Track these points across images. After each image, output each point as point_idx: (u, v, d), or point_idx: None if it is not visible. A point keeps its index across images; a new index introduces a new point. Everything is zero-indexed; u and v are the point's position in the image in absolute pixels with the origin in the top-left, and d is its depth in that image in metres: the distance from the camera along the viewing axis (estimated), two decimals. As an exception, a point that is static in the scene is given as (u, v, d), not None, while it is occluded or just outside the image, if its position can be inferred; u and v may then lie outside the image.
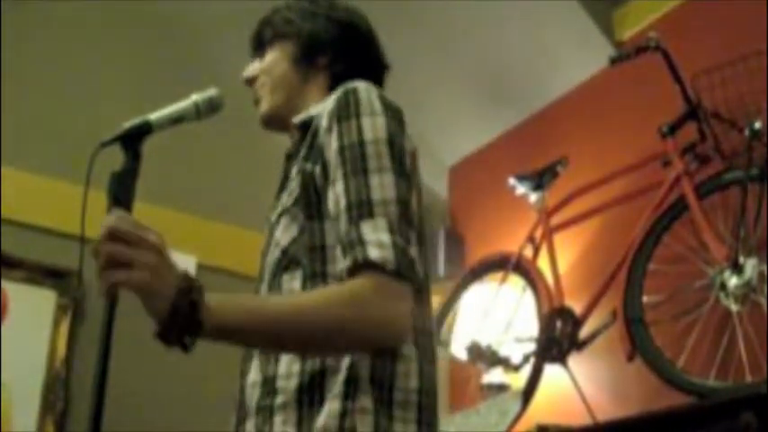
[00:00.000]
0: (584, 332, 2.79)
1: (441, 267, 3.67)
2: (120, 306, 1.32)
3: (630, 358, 2.56)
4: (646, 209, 2.68)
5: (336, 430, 1.24)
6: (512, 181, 3.13)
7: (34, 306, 2.98)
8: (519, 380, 2.98)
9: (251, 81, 1.60)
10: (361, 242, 1.24)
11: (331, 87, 1.50)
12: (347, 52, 1.56)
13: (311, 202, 1.36)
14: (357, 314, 1.21)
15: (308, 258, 1.33)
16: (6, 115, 3.09)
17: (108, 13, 3.44)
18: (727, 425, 2.12)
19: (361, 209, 1.27)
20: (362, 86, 1.37)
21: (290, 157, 1.49)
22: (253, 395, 1.35)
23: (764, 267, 2.39)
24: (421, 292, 1.36)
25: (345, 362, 1.27)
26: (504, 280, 3.09)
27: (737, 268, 2.39)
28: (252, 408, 1.34)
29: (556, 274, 2.94)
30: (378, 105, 1.35)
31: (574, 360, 2.83)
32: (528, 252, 3.05)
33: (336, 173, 1.32)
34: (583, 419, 2.76)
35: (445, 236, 3.75)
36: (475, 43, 3.51)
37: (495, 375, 3.13)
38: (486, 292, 3.17)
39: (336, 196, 1.31)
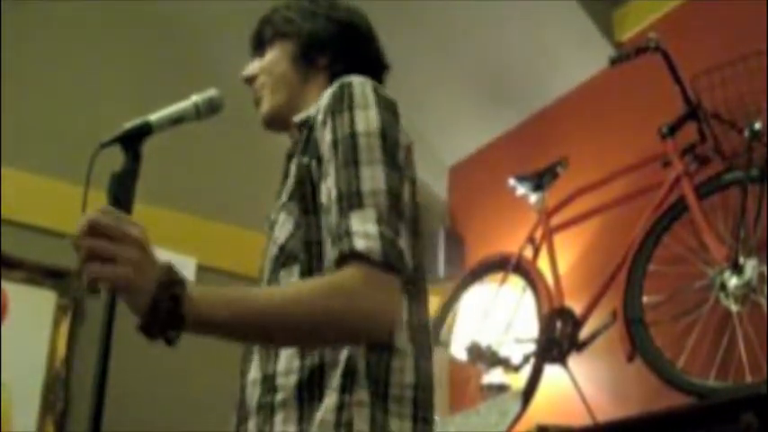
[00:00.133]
0: (585, 333, 2.79)
1: (440, 268, 3.67)
2: (120, 306, 1.32)
3: (630, 359, 2.56)
4: (646, 209, 2.68)
5: (334, 424, 1.24)
6: (512, 181, 3.13)
7: (34, 306, 2.98)
8: (519, 380, 2.98)
9: (250, 80, 1.60)
10: (348, 233, 1.24)
11: None
12: (347, 52, 1.56)
13: (307, 197, 1.36)
14: (343, 305, 1.21)
15: (305, 253, 1.34)
16: (6, 115, 3.09)
17: (108, 13, 3.44)
18: (727, 425, 2.12)
19: (350, 200, 1.27)
20: (357, 80, 1.38)
21: (290, 157, 1.49)
22: (253, 394, 1.35)
23: (764, 268, 2.39)
24: (417, 287, 1.37)
25: (343, 355, 1.27)
26: (504, 280, 3.09)
27: (737, 269, 2.39)
28: (253, 406, 1.34)
29: (556, 274, 2.94)
30: (372, 98, 1.35)
31: (574, 360, 2.83)
32: (528, 253, 3.05)
33: (329, 166, 1.32)
34: (583, 420, 2.76)
35: (445, 236, 3.74)
36: (475, 43, 3.51)
37: (495, 376, 3.13)
38: (486, 293, 3.17)
39: (328, 189, 1.31)
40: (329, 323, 1.21)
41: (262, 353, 1.36)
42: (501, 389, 3.10)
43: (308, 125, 1.43)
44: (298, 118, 1.49)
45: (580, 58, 3.35)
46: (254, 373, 1.36)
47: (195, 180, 3.45)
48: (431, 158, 3.90)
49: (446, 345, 3.27)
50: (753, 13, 2.79)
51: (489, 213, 3.69)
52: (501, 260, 3.13)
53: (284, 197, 1.41)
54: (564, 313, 2.84)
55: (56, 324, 2.99)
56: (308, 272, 1.32)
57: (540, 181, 3.07)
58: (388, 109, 1.36)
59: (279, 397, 1.30)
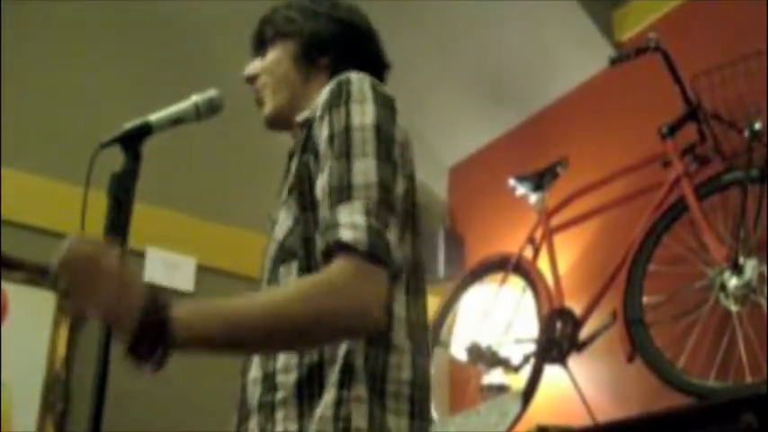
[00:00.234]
0: (584, 333, 2.79)
1: (440, 268, 3.67)
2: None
3: (630, 359, 2.56)
4: (646, 210, 2.68)
5: (332, 419, 1.24)
6: (512, 182, 3.13)
7: (34, 307, 2.98)
8: (519, 381, 2.98)
9: (252, 79, 1.60)
10: (336, 225, 1.24)
11: None
12: (349, 51, 1.56)
13: (305, 193, 1.36)
14: (332, 303, 1.21)
15: (303, 249, 1.34)
16: (6, 115, 3.09)
17: (108, 13, 3.44)
18: (727, 426, 2.12)
19: (340, 193, 1.27)
20: (355, 76, 1.38)
21: (291, 156, 1.49)
22: (254, 392, 1.35)
23: (764, 268, 2.39)
24: (416, 284, 1.37)
25: (341, 351, 1.27)
26: (504, 281, 3.09)
27: (737, 269, 2.39)
28: (254, 405, 1.34)
29: (556, 274, 2.94)
30: (369, 94, 1.35)
31: (574, 361, 2.83)
32: (528, 253, 3.05)
33: (324, 160, 1.32)
34: (583, 420, 2.76)
35: (445, 236, 3.74)
36: (475, 44, 3.51)
37: (495, 376, 3.13)
38: (486, 293, 3.17)
39: (322, 183, 1.31)
40: (321, 323, 1.21)
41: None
42: (501, 389, 3.10)
43: (308, 124, 1.43)
44: (300, 117, 1.49)
45: (580, 58, 3.35)
46: (254, 371, 1.36)
47: (195, 180, 3.45)
48: (431, 159, 3.90)
49: (446, 345, 3.26)
50: (753, 13, 2.79)
51: (489, 213, 3.69)
52: (501, 260, 3.13)
53: (284, 194, 1.41)
54: (564, 313, 2.84)
55: (56, 325, 2.98)
56: (306, 268, 1.32)
57: (540, 181, 3.07)
58: (385, 105, 1.36)
59: (279, 395, 1.30)
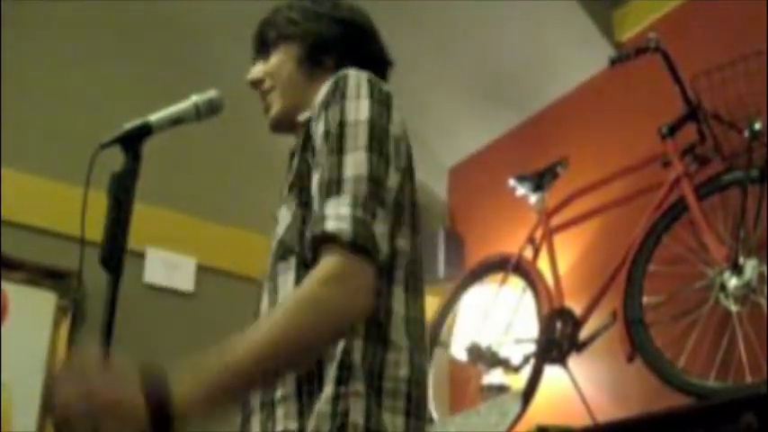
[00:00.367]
0: (584, 333, 2.79)
1: (440, 268, 3.67)
2: (119, 307, 1.32)
3: (630, 359, 2.56)
4: (646, 210, 2.68)
5: (330, 414, 1.24)
6: (512, 182, 3.13)
7: (34, 307, 2.98)
8: (519, 381, 2.98)
9: (256, 83, 1.60)
10: (322, 217, 1.25)
11: None
12: (352, 51, 1.57)
13: (304, 189, 1.37)
14: (324, 314, 1.21)
15: (300, 245, 1.34)
16: (6, 116, 3.09)
17: (108, 13, 3.43)
18: (727, 426, 2.12)
19: (330, 187, 1.28)
20: (353, 73, 1.39)
21: (293, 155, 1.50)
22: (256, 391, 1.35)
23: (764, 268, 2.39)
24: (415, 281, 1.37)
25: (339, 348, 1.28)
26: (504, 281, 3.09)
27: (737, 269, 2.39)
28: (256, 404, 1.34)
29: (556, 275, 2.94)
30: (364, 90, 1.36)
31: (574, 361, 2.83)
32: (528, 253, 3.05)
33: (319, 157, 1.33)
34: (583, 420, 2.76)
35: (445, 237, 3.74)
36: (475, 44, 3.51)
37: (495, 376, 3.13)
38: (486, 294, 3.17)
39: (316, 180, 1.33)
40: (318, 336, 1.22)
41: None
42: (501, 389, 3.10)
43: (309, 123, 1.44)
44: (302, 117, 1.49)
45: (580, 58, 3.35)
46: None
47: (195, 180, 3.45)
48: (431, 159, 3.90)
49: (446, 345, 3.26)
50: (753, 13, 2.79)
51: (489, 214, 3.69)
52: (501, 260, 3.13)
53: (284, 192, 1.42)
54: (564, 314, 2.84)
55: (56, 325, 2.98)
56: (304, 264, 1.32)
57: (540, 181, 3.07)
58: (381, 100, 1.37)
59: (279, 393, 1.30)
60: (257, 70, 1.61)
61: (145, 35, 3.51)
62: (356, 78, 1.37)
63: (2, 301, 2.91)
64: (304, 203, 1.36)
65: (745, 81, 2.54)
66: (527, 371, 2.87)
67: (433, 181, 3.91)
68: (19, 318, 2.93)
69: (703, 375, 2.46)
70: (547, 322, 2.83)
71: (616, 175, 2.91)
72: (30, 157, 3.11)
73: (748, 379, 2.37)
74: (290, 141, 1.56)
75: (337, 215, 1.24)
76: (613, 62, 2.77)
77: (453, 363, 3.41)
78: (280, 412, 1.29)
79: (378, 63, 1.59)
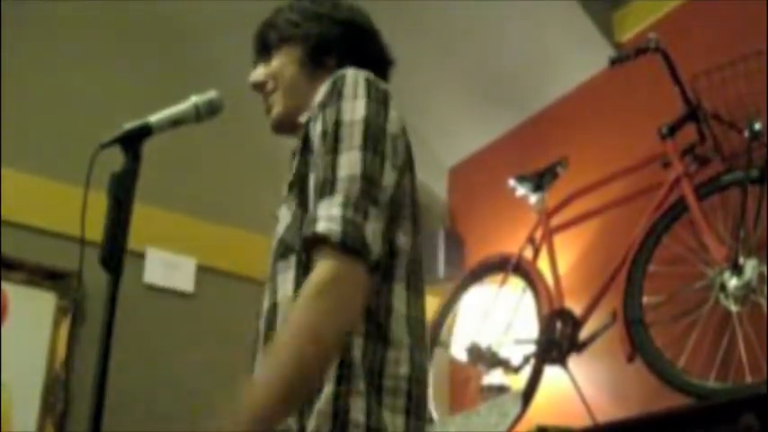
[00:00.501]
0: (584, 333, 2.79)
1: (440, 268, 3.67)
2: (119, 307, 1.32)
3: (630, 359, 2.56)
4: (646, 210, 2.68)
5: (331, 413, 1.24)
6: (512, 182, 3.13)
7: (34, 308, 2.98)
8: (519, 381, 2.98)
9: (258, 86, 1.60)
10: (314, 219, 1.27)
11: None
12: (353, 51, 1.57)
13: (303, 189, 1.38)
14: (324, 336, 1.22)
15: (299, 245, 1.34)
16: (6, 116, 3.09)
17: (108, 13, 3.43)
18: (727, 426, 2.12)
19: (324, 187, 1.29)
20: (350, 72, 1.39)
21: (294, 155, 1.50)
22: None
23: (764, 268, 2.39)
24: (416, 282, 1.38)
25: None
26: (504, 281, 3.09)
27: (737, 269, 2.39)
28: None
29: (556, 275, 2.94)
30: (361, 89, 1.37)
31: (574, 361, 2.83)
32: (528, 253, 3.05)
33: (316, 158, 1.34)
34: (583, 421, 2.76)
35: (445, 237, 3.74)
36: (475, 44, 3.51)
37: (495, 377, 3.13)
38: (486, 294, 3.17)
39: (312, 181, 1.34)
40: (321, 359, 1.23)
41: (264, 351, 1.37)
42: (501, 390, 3.10)
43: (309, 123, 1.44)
44: (303, 118, 1.50)
45: (580, 58, 3.35)
46: (258, 369, 1.37)
47: (195, 180, 3.45)
48: (431, 159, 3.90)
49: (446, 346, 3.26)
50: (753, 13, 2.79)
51: (489, 214, 3.69)
52: (501, 261, 3.13)
53: (285, 192, 1.43)
54: (564, 314, 2.84)
55: (56, 325, 2.99)
56: (302, 263, 1.33)
57: (540, 181, 3.07)
58: (379, 99, 1.37)
59: None
60: (259, 73, 1.61)
61: (145, 35, 3.51)
62: (353, 78, 1.38)
63: (2, 301, 2.91)
64: (302, 203, 1.37)
65: (745, 81, 2.54)
66: (527, 371, 2.87)
67: (433, 181, 3.91)
68: (19, 318, 2.93)
69: (703, 375, 2.46)
70: (547, 322, 2.83)
71: (616, 175, 2.91)
72: (30, 157, 3.11)
73: (748, 379, 2.37)
74: (289, 142, 1.56)
75: (328, 216, 1.25)
76: (613, 62, 2.77)
77: (453, 363, 3.41)
78: None
79: (379, 62, 1.59)
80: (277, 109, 1.58)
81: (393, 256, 1.34)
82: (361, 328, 1.29)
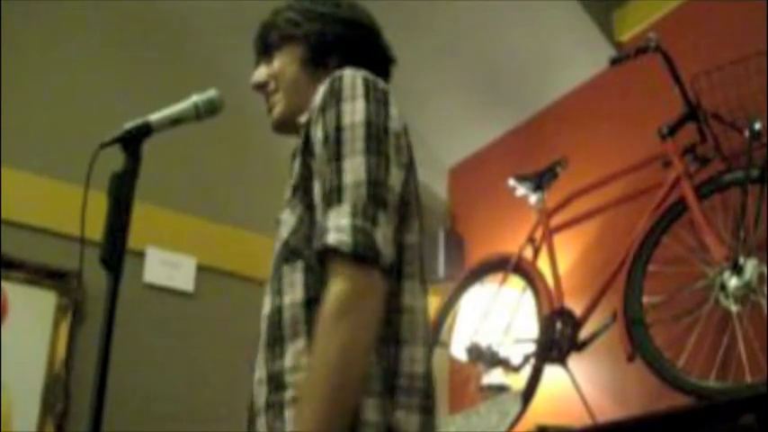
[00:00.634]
0: (584, 333, 2.79)
1: (441, 268, 3.67)
2: (119, 307, 1.32)
3: (630, 359, 2.56)
4: (646, 210, 2.68)
5: None
6: (512, 182, 3.13)
7: (34, 307, 2.98)
8: (519, 381, 2.98)
9: (260, 86, 1.60)
10: (325, 230, 1.26)
11: None
12: (355, 50, 1.57)
13: (308, 192, 1.37)
14: (354, 358, 1.21)
15: (308, 249, 1.34)
16: (6, 115, 3.09)
17: (107, 12, 3.44)
18: (727, 426, 2.12)
19: (330, 196, 1.29)
20: (347, 73, 1.39)
21: (295, 156, 1.50)
22: (260, 393, 1.35)
23: (764, 268, 2.38)
24: (422, 278, 1.37)
25: None
26: (503, 281, 3.09)
27: (737, 269, 2.39)
28: (261, 405, 1.34)
29: (556, 274, 2.94)
30: (360, 89, 1.36)
31: (574, 361, 2.82)
32: (528, 253, 3.05)
33: (320, 165, 1.34)
34: (583, 420, 2.76)
35: (445, 237, 3.75)
36: (475, 44, 3.51)
37: (495, 376, 3.13)
38: (486, 293, 3.17)
39: (318, 188, 1.33)
40: (356, 376, 1.22)
41: (267, 352, 1.36)
42: (501, 389, 3.10)
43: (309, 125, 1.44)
44: (303, 118, 1.49)
45: (580, 58, 3.35)
46: (258, 372, 1.37)
47: (195, 180, 3.45)
48: (431, 159, 3.90)
49: (446, 345, 3.26)
50: (753, 13, 2.79)
51: (489, 214, 3.69)
52: (501, 260, 3.13)
53: (288, 194, 1.42)
54: (564, 314, 2.84)
55: (56, 325, 2.99)
56: (310, 267, 1.33)
57: (539, 181, 3.07)
58: (378, 98, 1.37)
59: (288, 394, 1.30)
60: (261, 73, 1.61)
61: (145, 35, 3.51)
62: (351, 78, 1.37)
63: (2, 301, 2.91)
64: (308, 206, 1.36)
65: (745, 81, 2.54)
66: (527, 371, 2.87)
67: (433, 181, 3.91)
68: (19, 318, 2.93)
69: (703, 375, 2.46)
70: (547, 322, 2.83)
71: (616, 175, 2.91)
72: (30, 157, 3.12)
73: (748, 379, 2.37)
74: (290, 141, 1.56)
75: (337, 227, 1.25)
76: (613, 62, 2.77)
77: (453, 363, 3.41)
78: (289, 413, 1.29)
79: (381, 61, 1.59)
80: (278, 109, 1.58)
81: (402, 254, 1.34)
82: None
